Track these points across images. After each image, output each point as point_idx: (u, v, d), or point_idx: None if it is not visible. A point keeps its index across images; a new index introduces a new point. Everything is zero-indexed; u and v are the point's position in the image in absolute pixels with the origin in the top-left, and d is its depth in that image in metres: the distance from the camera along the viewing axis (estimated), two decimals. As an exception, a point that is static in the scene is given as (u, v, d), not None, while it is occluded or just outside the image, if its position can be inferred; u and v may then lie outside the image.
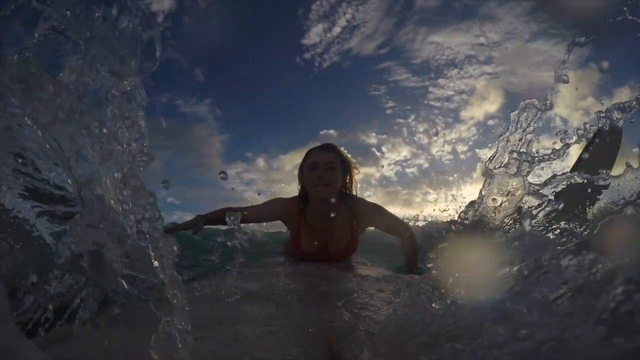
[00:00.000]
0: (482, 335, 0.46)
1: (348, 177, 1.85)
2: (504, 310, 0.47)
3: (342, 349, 0.52)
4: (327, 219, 1.78)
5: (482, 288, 0.53)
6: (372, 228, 2.02)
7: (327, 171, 1.74)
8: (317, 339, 0.56)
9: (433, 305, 0.62)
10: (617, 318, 0.35)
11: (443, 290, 0.60)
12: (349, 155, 1.89)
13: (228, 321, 0.67)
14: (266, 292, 0.99)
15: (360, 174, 1.94)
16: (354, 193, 1.88)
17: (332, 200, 1.74)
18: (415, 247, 1.87)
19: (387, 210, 1.92)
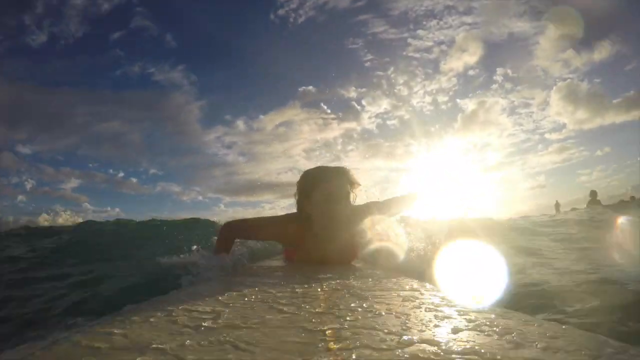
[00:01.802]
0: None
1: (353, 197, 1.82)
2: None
3: (343, 349, 0.52)
4: (330, 237, 1.74)
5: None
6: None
7: (342, 203, 1.68)
8: (317, 339, 0.56)
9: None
10: None
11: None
12: (354, 175, 1.83)
13: (228, 321, 0.66)
14: (267, 292, 0.99)
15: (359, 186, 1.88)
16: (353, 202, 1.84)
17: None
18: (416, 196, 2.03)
19: (377, 202, 1.97)
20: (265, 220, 1.97)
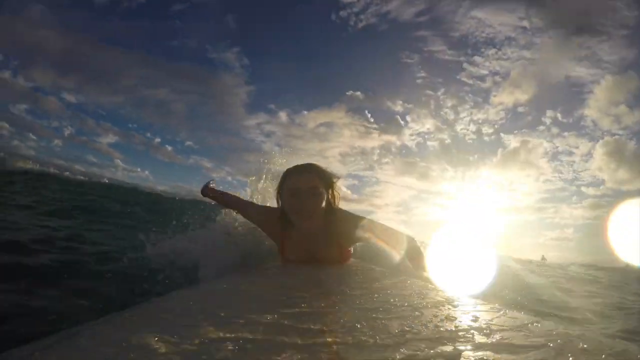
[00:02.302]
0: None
1: (331, 194, 1.75)
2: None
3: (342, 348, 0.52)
4: (312, 239, 1.74)
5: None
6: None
7: (310, 198, 1.65)
8: (317, 340, 0.56)
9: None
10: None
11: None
12: (329, 170, 1.79)
13: (228, 321, 0.66)
14: (266, 292, 0.98)
15: (340, 185, 1.81)
16: (337, 205, 1.79)
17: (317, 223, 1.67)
18: (421, 252, 1.70)
19: (376, 222, 1.78)
20: (252, 205, 2.17)
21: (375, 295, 0.94)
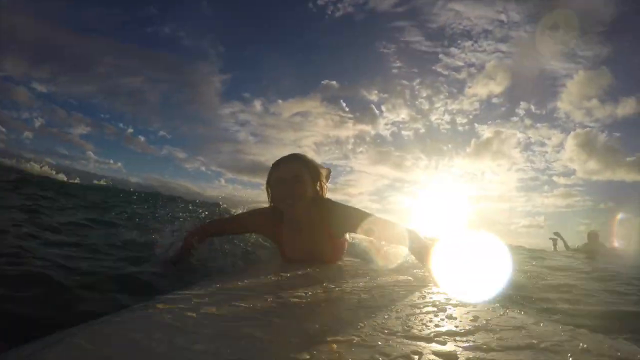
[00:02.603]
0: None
1: (318, 184, 1.80)
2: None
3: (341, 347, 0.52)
4: (304, 229, 1.79)
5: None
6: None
7: (295, 184, 1.71)
8: (316, 339, 0.56)
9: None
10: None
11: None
12: (315, 161, 1.85)
13: (227, 320, 0.66)
14: (266, 291, 0.98)
15: (330, 174, 1.91)
16: (325, 196, 1.85)
17: (304, 211, 1.72)
18: (426, 245, 1.60)
19: (372, 215, 1.76)
20: (236, 215, 2.13)
21: (374, 294, 0.94)
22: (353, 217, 1.77)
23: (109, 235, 3.05)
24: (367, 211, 1.81)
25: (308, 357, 0.48)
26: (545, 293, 2.20)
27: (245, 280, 1.20)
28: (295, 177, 1.72)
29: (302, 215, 1.76)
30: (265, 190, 1.85)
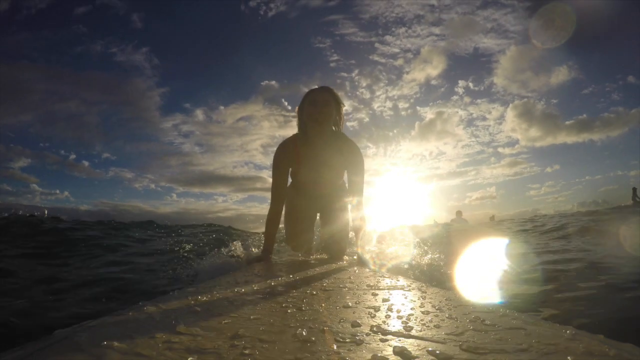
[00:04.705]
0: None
1: (338, 116, 2.22)
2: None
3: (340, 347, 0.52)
4: (322, 149, 2.19)
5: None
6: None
7: (325, 107, 2.11)
8: (316, 339, 0.56)
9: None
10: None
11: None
12: (340, 97, 2.24)
13: (228, 320, 0.66)
14: (267, 291, 0.98)
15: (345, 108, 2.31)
16: (341, 130, 2.27)
17: (326, 130, 2.13)
18: (364, 219, 2.20)
19: (363, 162, 2.24)
20: (273, 162, 2.28)
21: (373, 293, 0.94)
22: (357, 154, 2.22)
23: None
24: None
25: (308, 356, 0.48)
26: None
27: (248, 279, 1.20)
28: (326, 102, 2.13)
29: (324, 134, 2.16)
30: (297, 114, 2.25)
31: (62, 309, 1.54)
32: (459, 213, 11.14)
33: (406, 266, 2.14)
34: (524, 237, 6.04)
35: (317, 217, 2.64)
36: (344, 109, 2.25)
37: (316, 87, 2.24)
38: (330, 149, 2.21)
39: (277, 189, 2.23)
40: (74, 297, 1.75)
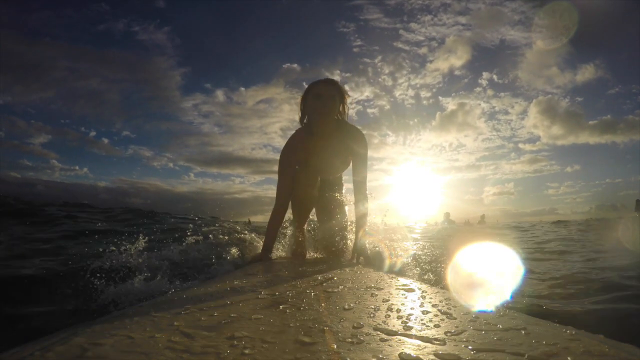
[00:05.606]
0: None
1: (342, 107, 2.23)
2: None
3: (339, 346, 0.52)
4: (327, 140, 2.21)
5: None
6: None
7: (329, 101, 2.11)
8: (315, 339, 0.56)
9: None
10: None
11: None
12: (344, 88, 2.25)
13: (227, 319, 0.66)
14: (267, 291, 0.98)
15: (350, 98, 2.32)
16: (345, 119, 2.29)
17: (330, 124, 2.14)
18: (366, 215, 2.19)
19: (367, 147, 2.24)
20: (280, 156, 2.30)
21: (372, 293, 0.94)
22: (362, 142, 2.22)
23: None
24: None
25: (308, 356, 0.48)
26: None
27: (244, 280, 1.20)
28: (330, 96, 2.12)
29: (328, 126, 2.17)
30: (298, 105, 2.28)
31: (57, 313, 1.54)
32: (446, 215, 11.66)
33: (406, 266, 2.15)
34: (511, 237, 6.00)
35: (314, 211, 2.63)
36: (348, 99, 2.26)
37: (318, 80, 2.22)
38: (335, 140, 2.24)
39: (282, 190, 2.21)
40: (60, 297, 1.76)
